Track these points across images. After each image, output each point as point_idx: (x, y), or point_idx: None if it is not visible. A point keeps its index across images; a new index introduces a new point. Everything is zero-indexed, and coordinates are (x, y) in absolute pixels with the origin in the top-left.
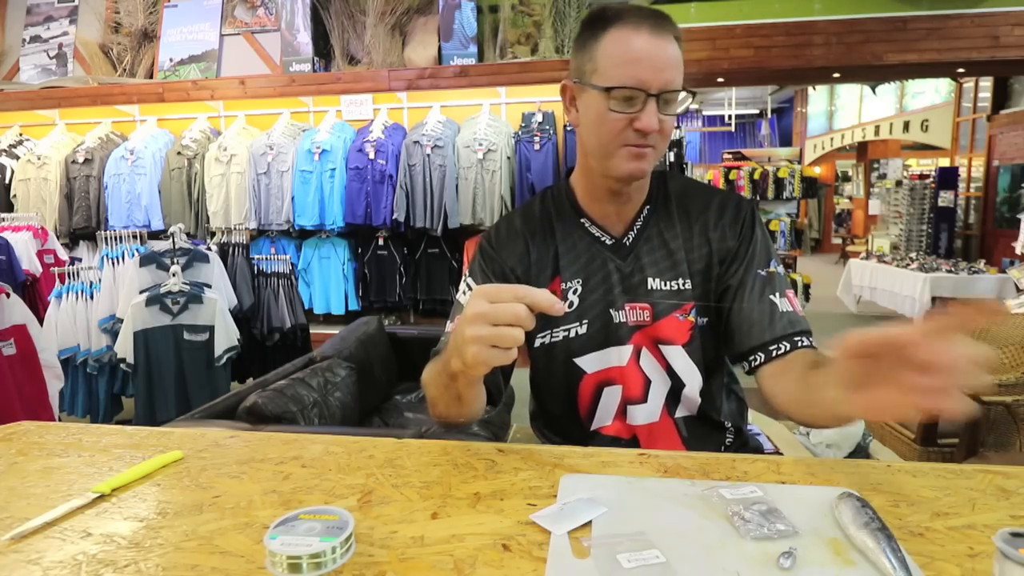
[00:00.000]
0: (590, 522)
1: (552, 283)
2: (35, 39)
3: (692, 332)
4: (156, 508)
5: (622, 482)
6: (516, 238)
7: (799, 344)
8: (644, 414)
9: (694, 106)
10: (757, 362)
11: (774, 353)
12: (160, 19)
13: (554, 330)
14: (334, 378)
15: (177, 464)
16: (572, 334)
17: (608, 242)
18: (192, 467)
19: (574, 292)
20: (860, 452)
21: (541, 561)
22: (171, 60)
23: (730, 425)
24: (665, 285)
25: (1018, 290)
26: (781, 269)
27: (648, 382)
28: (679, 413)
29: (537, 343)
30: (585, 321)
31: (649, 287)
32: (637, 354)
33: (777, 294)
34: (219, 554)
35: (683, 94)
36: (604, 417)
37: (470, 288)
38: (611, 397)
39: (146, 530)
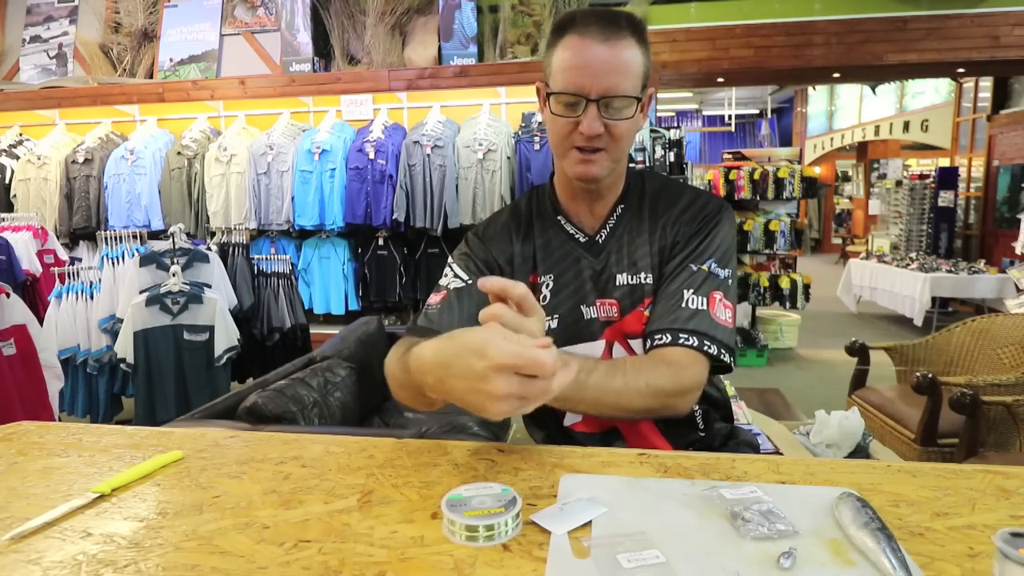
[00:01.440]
0: (590, 522)
1: (531, 276)
2: (35, 39)
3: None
4: (156, 508)
5: (622, 482)
6: (503, 233)
7: (680, 341)
8: None
9: (694, 106)
10: (647, 347)
11: (654, 342)
12: (160, 19)
13: None
14: (334, 378)
15: (177, 464)
16: (545, 326)
17: (581, 239)
18: (192, 467)
19: (547, 287)
20: (860, 452)
21: (541, 561)
22: (171, 60)
23: (699, 418)
24: (631, 279)
25: (1018, 290)
26: (723, 273)
27: None
28: None
29: None
30: (556, 316)
31: (617, 283)
32: (610, 349)
33: (693, 291)
34: (219, 554)
35: (632, 98)
36: (572, 415)
37: (454, 274)
38: None
39: (146, 530)
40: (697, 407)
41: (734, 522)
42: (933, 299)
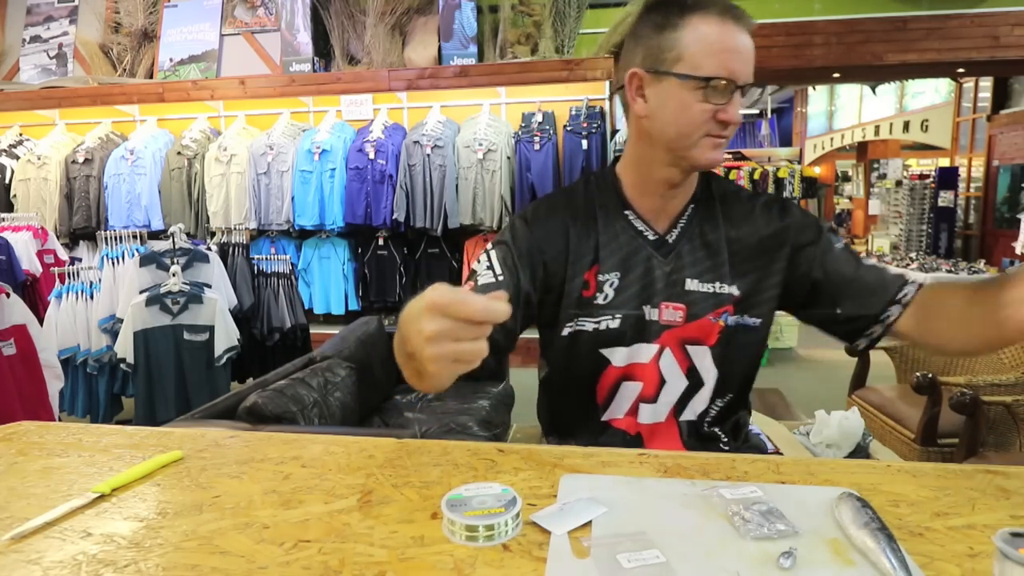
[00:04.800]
0: (590, 522)
1: (590, 271)
2: (35, 39)
3: (721, 335)
4: (156, 508)
5: (622, 482)
6: (555, 219)
7: (917, 284)
8: (652, 413)
9: None
10: (891, 317)
11: (905, 299)
12: (160, 19)
13: (583, 319)
14: (334, 378)
15: (177, 464)
16: (603, 326)
17: (651, 237)
18: (192, 467)
19: (611, 285)
20: (860, 452)
21: (541, 561)
22: (171, 60)
23: (726, 437)
24: (704, 286)
25: None
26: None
27: (662, 383)
28: (685, 416)
29: (565, 331)
30: (619, 315)
31: (687, 287)
32: (660, 354)
33: (863, 260)
34: (219, 554)
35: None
36: (616, 410)
37: (490, 260)
38: (629, 392)
39: (146, 530)
40: (728, 432)
41: (734, 522)
42: None
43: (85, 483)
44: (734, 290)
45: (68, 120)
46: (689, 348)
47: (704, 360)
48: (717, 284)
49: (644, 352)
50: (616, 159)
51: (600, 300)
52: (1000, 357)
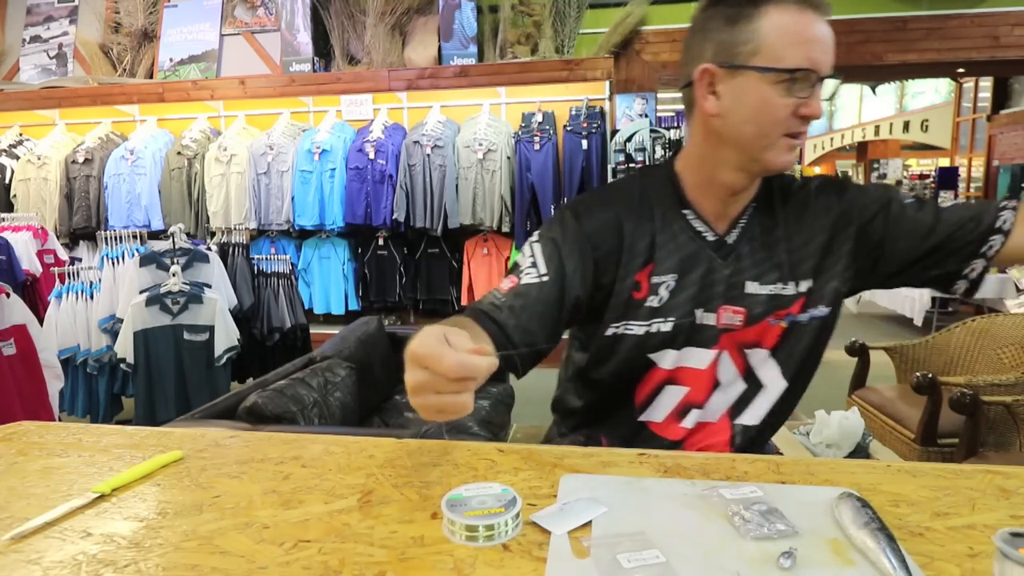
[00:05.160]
0: (590, 522)
1: (643, 271)
2: (35, 39)
3: (781, 337)
4: (156, 508)
5: (622, 482)
6: (607, 213)
7: (1012, 207)
8: (703, 416)
9: None
10: (993, 248)
11: (1005, 225)
12: (160, 19)
13: (633, 322)
14: (334, 378)
15: (177, 464)
16: (654, 329)
17: (710, 239)
18: (192, 467)
19: (666, 287)
20: (860, 452)
21: (541, 561)
22: (171, 60)
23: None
24: (764, 288)
25: (1018, 290)
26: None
27: (716, 385)
28: (741, 420)
29: (609, 332)
30: (672, 319)
31: (747, 290)
32: (717, 358)
33: (944, 204)
34: (219, 554)
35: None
36: (656, 413)
37: (535, 256)
38: (672, 396)
39: (146, 530)
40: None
41: (734, 522)
42: (933, 299)
43: (85, 483)
44: (799, 288)
45: (68, 120)
46: (747, 352)
47: (764, 364)
48: (779, 285)
49: (698, 357)
50: (675, 154)
51: (653, 303)
52: (1000, 357)
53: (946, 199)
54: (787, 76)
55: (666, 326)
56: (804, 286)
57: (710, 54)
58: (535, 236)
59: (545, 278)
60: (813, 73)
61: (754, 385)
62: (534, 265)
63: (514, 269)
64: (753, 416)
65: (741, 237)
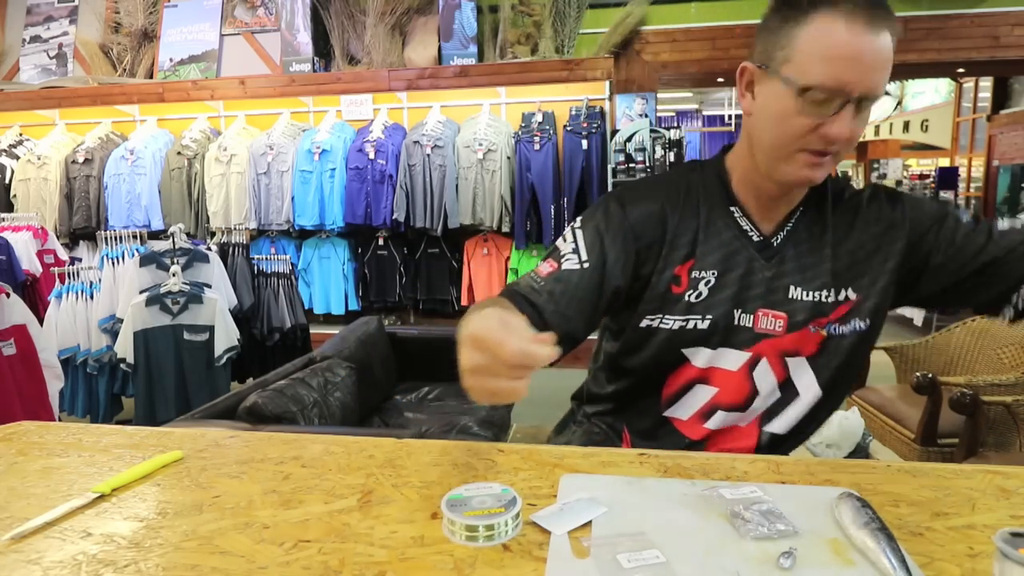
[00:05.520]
0: (590, 522)
1: (684, 265)
2: (35, 39)
3: (821, 345)
4: (156, 508)
5: (622, 482)
6: (653, 203)
7: None
8: (732, 419)
9: (694, 106)
10: None
11: None
12: (160, 19)
13: (669, 316)
14: (334, 378)
15: (177, 464)
16: (690, 325)
17: (755, 239)
18: (192, 467)
19: (706, 283)
20: (860, 452)
21: (541, 561)
22: (171, 60)
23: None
24: (808, 295)
25: None
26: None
27: (755, 393)
28: (770, 427)
29: (644, 324)
30: (709, 317)
31: (789, 295)
32: (753, 363)
33: (998, 224)
34: (219, 554)
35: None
36: (682, 411)
37: (576, 242)
38: (700, 395)
39: (146, 530)
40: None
41: (734, 522)
42: None
43: (85, 483)
44: (843, 296)
45: (68, 120)
46: (788, 360)
47: (801, 372)
48: (824, 292)
49: (732, 358)
50: (728, 147)
51: (691, 298)
52: (1000, 357)
53: (946, 198)
54: (811, 95)
55: (703, 323)
56: (848, 295)
57: (756, 52)
58: (577, 222)
59: (586, 265)
60: (835, 93)
61: (789, 393)
62: (575, 251)
63: (553, 253)
64: (783, 424)
65: (787, 240)
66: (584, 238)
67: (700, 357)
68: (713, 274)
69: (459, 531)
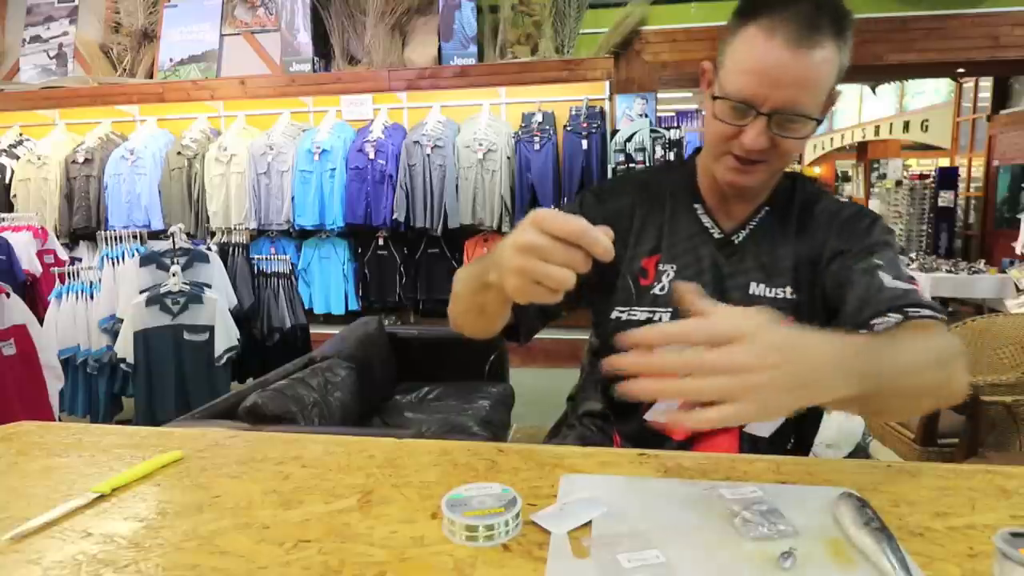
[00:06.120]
0: (590, 522)
1: (650, 258)
2: (35, 39)
3: None
4: (156, 508)
5: (622, 482)
6: (624, 197)
7: (909, 315)
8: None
9: (694, 106)
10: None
11: (876, 328)
12: (160, 19)
13: (637, 308)
14: (334, 378)
15: (177, 464)
16: (656, 318)
17: (716, 235)
18: (192, 467)
19: (668, 276)
20: (860, 452)
21: (541, 561)
22: (171, 60)
23: (791, 447)
24: (768, 292)
25: (1018, 290)
26: (903, 261)
27: None
28: (750, 429)
29: (614, 315)
30: (670, 310)
31: (751, 292)
32: None
33: (887, 275)
34: (219, 554)
35: (810, 115)
36: (660, 412)
37: None
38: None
39: (146, 530)
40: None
41: (734, 522)
42: (933, 299)
43: (85, 483)
44: (800, 298)
45: (68, 120)
46: None
47: None
48: (786, 290)
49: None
50: (699, 149)
51: (657, 290)
52: (1000, 357)
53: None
54: (723, 100)
55: (667, 317)
56: (804, 296)
57: (718, 53)
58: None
59: None
60: (747, 105)
61: None
62: None
63: None
64: (762, 428)
65: (749, 238)
66: None
67: (670, 352)
68: (673, 268)
69: (459, 531)
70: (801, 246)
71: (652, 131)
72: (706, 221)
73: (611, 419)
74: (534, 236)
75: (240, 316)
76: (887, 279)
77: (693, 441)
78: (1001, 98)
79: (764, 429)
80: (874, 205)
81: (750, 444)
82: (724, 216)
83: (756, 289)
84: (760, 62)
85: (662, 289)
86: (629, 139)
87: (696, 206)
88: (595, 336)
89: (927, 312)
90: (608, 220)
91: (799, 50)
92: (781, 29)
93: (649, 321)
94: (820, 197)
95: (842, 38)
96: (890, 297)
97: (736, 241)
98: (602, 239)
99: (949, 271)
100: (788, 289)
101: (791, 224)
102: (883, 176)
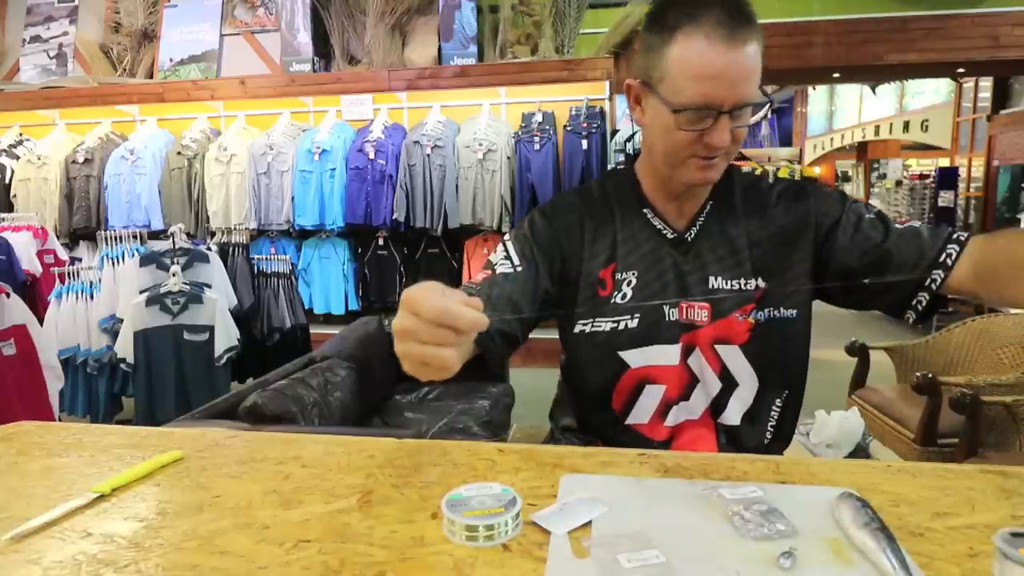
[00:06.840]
0: (590, 522)
1: (606, 268)
2: (35, 39)
3: (752, 333)
4: (156, 508)
5: (622, 482)
6: (572, 214)
7: (962, 239)
8: (684, 413)
9: None
10: (936, 282)
11: (948, 260)
12: (160, 19)
13: (600, 319)
14: (334, 378)
15: (177, 464)
16: (621, 326)
17: (669, 236)
18: (192, 467)
19: (628, 284)
20: (860, 452)
21: (541, 561)
22: (171, 60)
23: (769, 440)
24: (728, 284)
25: None
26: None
27: (694, 382)
28: (724, 419)
29: (577, 329)
30: (637, 315)
31: (711, 285)
32: (687, 353)
33: (897, 225)
34: (219, 554)
35: (760, 101)
36: (641, 415)
37: (507, 251)
38: (651, 397)
39: (146, 530)
40: (770, 433)
41: (734, 522)
42: None
43: (85, 483)
44: (759, 284)
45: (68, 120)
46: (719, 348)
47: (736, 360)
48: (741, 280)
49: (667, 353)
50: (636, 156)
51: (618, 299)
52: (1000, 357)
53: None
54: (681, 111)
55: (633, 322)
56: (764, 282)
57: (638, 68)
58: (507, 237)
59: (519, 268)
60: (709, 109)
61: (729, 383)
62: (507, 258)
63: (488, 265)
64: (733, 414)
65: (700, 234)
66: (515, 247)
67: (636, 357)
68: (634, 274)
69: (459, 531)
70: (752, 227)
71: None
72: (657, 223)
73: (590, 431)
74: (405, 319)
75: (240, 316)
76: (904, 226)
77: (672, 440)
78: (1001, 98)
79: (731, 416)
80: (874, 205)
81: (728, 436)
82: (674, 216)
83: (715, 282)
84: (711, 66)
85: (623, 298)
86: (629, 139)
87: (645, 211)
88: (563, 352)
89: (966, 235)
90: (558, 236)
91: (737, 47)
92: (714, 33)
93: (615, 331)
94: (757, 180)
95: (755, 22)
96: (933, 235)
97: (689, 239)
98: (465, 313)
99: None
100: (743, 279)
101: (737, 210)
102: (883, 176)
